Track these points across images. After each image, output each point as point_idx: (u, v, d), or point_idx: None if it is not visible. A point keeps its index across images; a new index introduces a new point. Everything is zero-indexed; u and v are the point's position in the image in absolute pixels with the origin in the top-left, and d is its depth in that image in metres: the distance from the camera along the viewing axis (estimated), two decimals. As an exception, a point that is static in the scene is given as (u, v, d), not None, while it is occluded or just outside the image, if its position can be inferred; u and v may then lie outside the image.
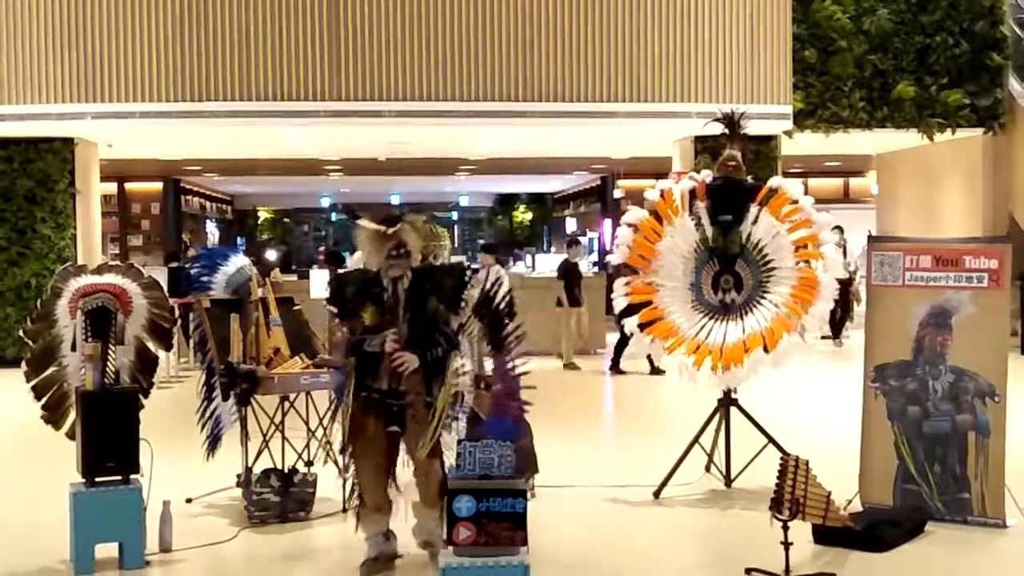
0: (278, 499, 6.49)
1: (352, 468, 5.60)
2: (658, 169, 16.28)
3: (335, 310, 5.65)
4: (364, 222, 5.67)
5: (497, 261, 14.23)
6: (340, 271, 6.68)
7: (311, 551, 6.15)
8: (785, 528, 5.23)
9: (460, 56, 13.47)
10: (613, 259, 7.47)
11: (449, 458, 5.26)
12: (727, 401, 7.17)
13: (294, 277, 17.30)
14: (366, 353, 5.44)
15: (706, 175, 7.30)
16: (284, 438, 6.84)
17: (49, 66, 13.21)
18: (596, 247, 24.18)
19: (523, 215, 34.44)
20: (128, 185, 23.52)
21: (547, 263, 18.93)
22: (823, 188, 22.17)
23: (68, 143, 14.27)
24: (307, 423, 6.89)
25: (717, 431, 7.24)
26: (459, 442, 4.82)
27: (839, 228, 15.40)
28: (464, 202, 34.29)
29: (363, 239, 5.60)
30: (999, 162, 15.66)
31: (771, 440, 7.08)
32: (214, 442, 7.00)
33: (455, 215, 36.13)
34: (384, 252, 5.48)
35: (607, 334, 15.11)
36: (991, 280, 6.35)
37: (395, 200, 31.03)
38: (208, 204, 27.99)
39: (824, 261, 6.96)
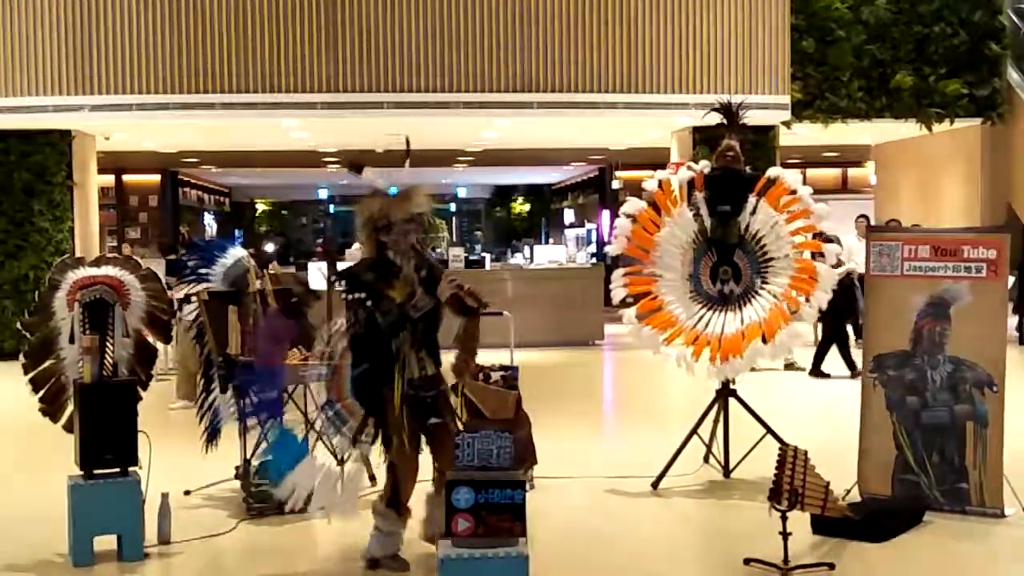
0: (277, 491, 6.49)
1: (388, 466, 5.41)
2: (656, 160, 16.26)
3: (364, 295, 5.23)
4: (370, 176, 5.53)
5: None
6: (344, 268, 6.35)
7: (310, 543, 6.15)
8: (784, 518, 5.23)
9: (458, 47, 13.45)
10: (611, 250, 7.47)
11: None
12: (725, 392, 7.17)
13: (292, 269, 17.27)
14: (385, 349, 5.26)
15: (704, 165, 7.29)
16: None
17: (46, 58, 13.20)
18: (595, 238, 24.19)
19: (521, 207, 34.43)
20: (126, 177, 23.50)
21: (546, 255, 18.92)
22: (821, 178, 22.14)
23: (65, 135, 14.25)
24: (306, 415, 6.89)
25: (715, 422, 7.23)
26: (457, 434, 4.82)
27: (864, 216, 15.26)
28: (462, 194, 34.27)
29: (380, 204, 5.44)
30: (997, 152, 15.66)
31: (769, 431, 7.08)
32: (212, 434, 6.99)
33: (453, 207, 36.09)
34: (405, 214, 5.36)
35: (607, 325, 15.10)
36: (989, 270, 6.34)
37: (392, 192, 30.94)
38: (206, 196, 27.98)
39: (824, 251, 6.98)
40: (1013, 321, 13.70)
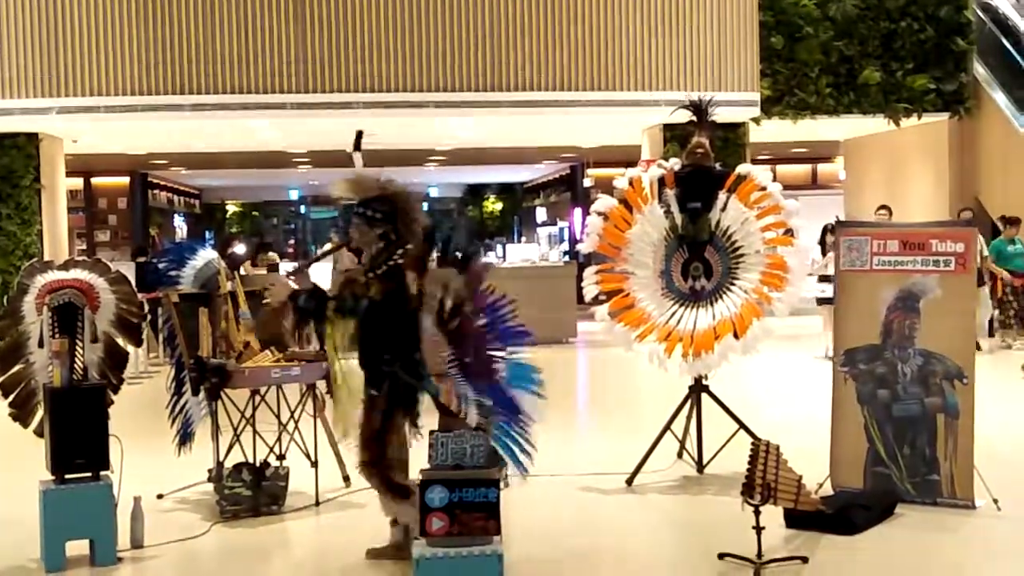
0: (250, 493, 6.47)
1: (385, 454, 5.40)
2: (627, 157, 16.31)
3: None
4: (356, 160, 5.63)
5: None
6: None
7: (284, 545, 6.14)
8: (757, 513, 5.25)
9: (428, 46, 13.42)
10: (583, 247, 7.48)
11: None
12: (698, 388, 7.19)
13: (264, 271, 17.19)
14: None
15: (675, 163, 7.32)
16: (255, 432, 6.81)
17: (12, 61, 13.06)
18: (567, 236, 24.22)
19: (493, 205, 34.41)
20: (94, 180, 23.28)
21: (518, 253, 18.94)
22: (791, 174, 22.23)
23: (33, 138, 14.10)
24: (278, 417, 6.87)
25: (688, 418, 7.26)
26: (431, 433, 4.81)
27: (886, 208, 15.15)
28: (434, 193, 34.22)
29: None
30: (965, 146, 15.79)
31: (742, 426, 7.12)
32: (185, 437, 6.97)
33: (425, 206, 36.06)
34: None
35: (579, 323, 15.12)
36: (958, 263, 6.40)
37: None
38: (176, 198, 27.78)
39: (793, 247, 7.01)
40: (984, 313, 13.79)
